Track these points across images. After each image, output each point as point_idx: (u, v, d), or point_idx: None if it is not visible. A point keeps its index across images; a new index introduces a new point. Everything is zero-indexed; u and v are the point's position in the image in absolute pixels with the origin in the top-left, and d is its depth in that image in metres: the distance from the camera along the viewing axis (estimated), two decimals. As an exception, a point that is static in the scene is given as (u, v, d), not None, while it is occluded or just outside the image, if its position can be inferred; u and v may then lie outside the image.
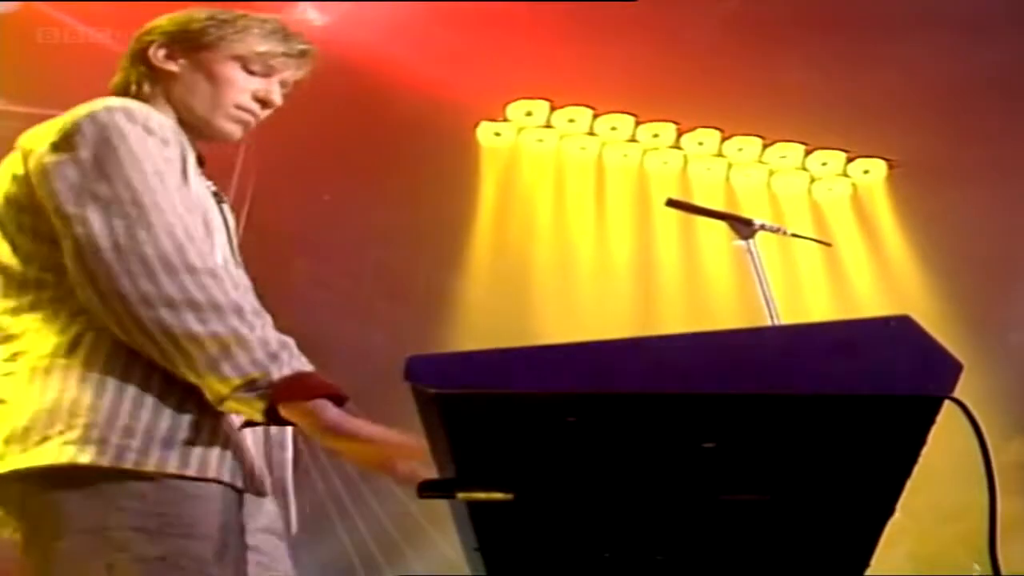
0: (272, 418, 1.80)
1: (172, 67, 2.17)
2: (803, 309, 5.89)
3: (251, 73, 2.19)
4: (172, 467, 1.82)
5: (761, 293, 3.05)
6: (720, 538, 1.66)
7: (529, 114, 6.24)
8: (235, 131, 2.20)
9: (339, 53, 5.24)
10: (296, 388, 1.79)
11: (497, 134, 6.31)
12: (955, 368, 1.45)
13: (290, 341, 1.85)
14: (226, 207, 2.18)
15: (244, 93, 2.18)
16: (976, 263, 5.88)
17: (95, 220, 1.83)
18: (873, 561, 1.67)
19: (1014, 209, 5.88)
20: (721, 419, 1.48)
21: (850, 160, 6.55)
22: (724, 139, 6.43)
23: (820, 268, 6.31)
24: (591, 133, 6.38)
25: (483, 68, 5.54)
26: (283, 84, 2.24)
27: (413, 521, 5.26)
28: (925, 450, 1.52)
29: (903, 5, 5.47)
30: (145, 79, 2.18)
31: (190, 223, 1.88)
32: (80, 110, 1.97)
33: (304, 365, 1.83)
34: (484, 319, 5.76)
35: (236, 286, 1.85)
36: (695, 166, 6.56)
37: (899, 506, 1.58)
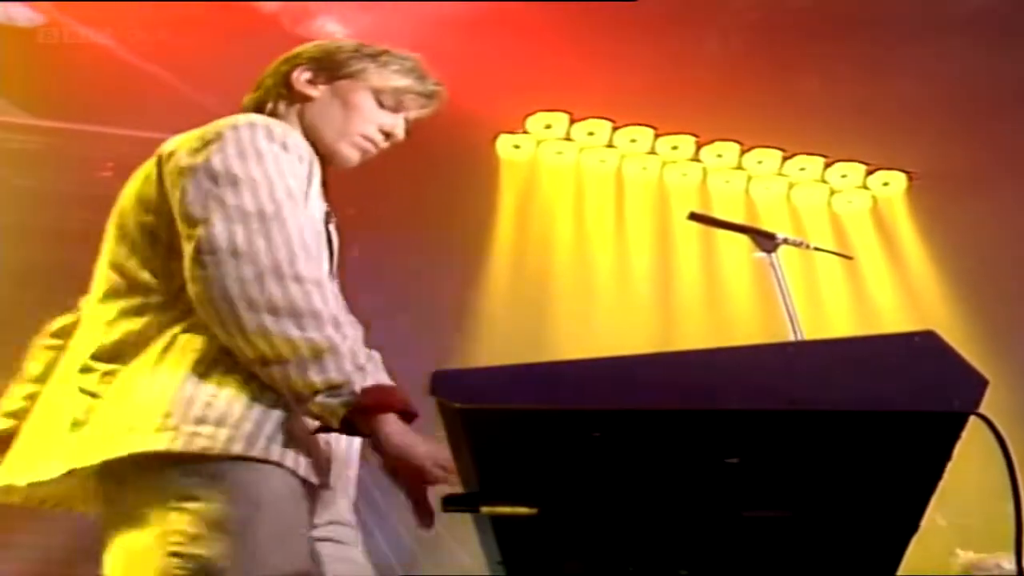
0: (345, 427, 1.88)
1: (311, 91, 2.30)
2: (824, 322, 5.87)
3: (382, 106, 2.32)
4: (238, 449, 1.88)
5: (784, 307, 3.04)
6: (744, 554, 1.66)
7: (548, 127, 6.24)
8: (354, 158, 2.32)
9: (359, 66, 5.27)
10: (374, 400, 1.86)
11: (516, 147, 6.31)
12: (981, 384, 1.45)
13: (376, 355, 1.96)
14: (333, 227, 2.27)
15: (372, 124, 2.31)
16: (998, 275, 5.84)
17: (217, 224, 1.92)
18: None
19: (1035, 219, 5.85)
20: (745, 435, 1.48)
21: (870, 172, 6.53)
22: (744, 152, 6.42)
23: (841, 281, 6.28)
24: (610, 145, 6.37)
25: (502, 80, 5.55)
26: (407, 121, 2.37)
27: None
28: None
29: (923, 16, 5.46)
30: (282, 99, 2.31)
31: (307, 237, 1.96)
32: (224, 121, 2.08)
33: (386, 379, 1.93)
34: (503, 332, 5.75)
35: (336, 297, 1.94)
36: (714, 179, 6.55)
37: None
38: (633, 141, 6.35)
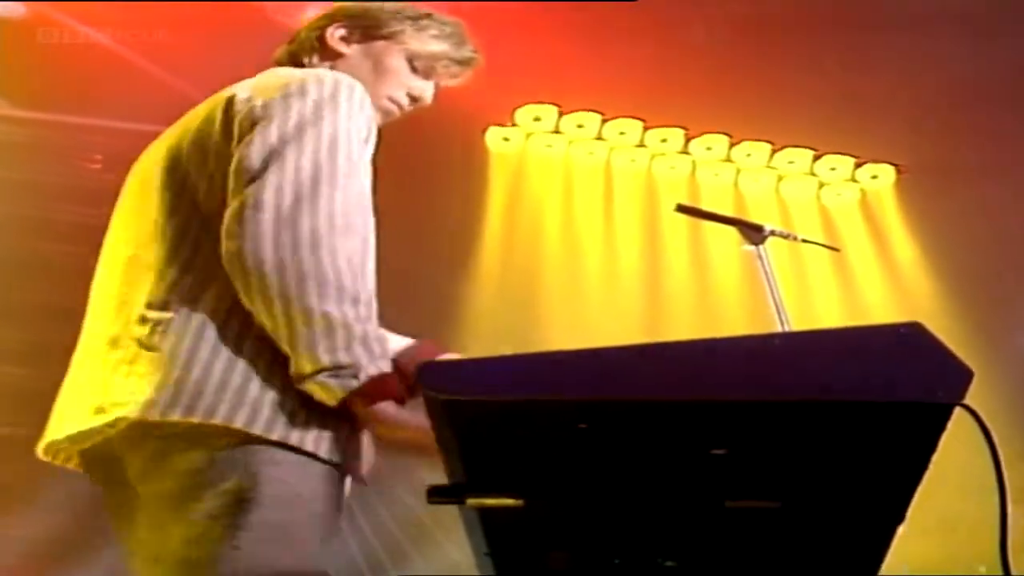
0: (339, 405, 1.85)
1: (344, 48, 2.28)
2: (811, 314, 5.87)
3: (414, 71, 2.30)
4: (270, 431, 1.83)
5: (771, 299, 3.04)
6: (730, 545, 1.67)
7: (538, 119, 6.24)
8: (377, 120, 2.23)
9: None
10: (377, 389, 1.84)
11: (506, 139, 6.31)
12: (966, 375, 1.45)
13: (385, 337, 1.92)
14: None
15: (401, 88, 2.29)
16: (985, 267, 5.86)
17: (269, 183, 1.86)
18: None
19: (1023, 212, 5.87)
20: (731, 426, 1.48)
21: (859, 165, 6.55)
22: (732, 144, 6.43)
23: (829, 273, 6.29)
24: (599, 138, 6.38)
25: (492, 73, 5.51)
26: (435, 86, 2.34)
27: (419, 524, 5.27)
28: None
29: (912, 9, 5.46)
30: (315, 53, 2.28)
31: (352, 208, 1.92)
32: (307, 74, 2.04)
33: (387, 365, 1.87)
34: (492, 324, 5.75)
35: (363, 274, 1.90)
36: (703, 171, 6.55)
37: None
38: (622, 134, 6.35)
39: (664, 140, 6.40)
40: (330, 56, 2.28)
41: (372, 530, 5.27)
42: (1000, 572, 1.54)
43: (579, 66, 5.71)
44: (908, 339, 1.46)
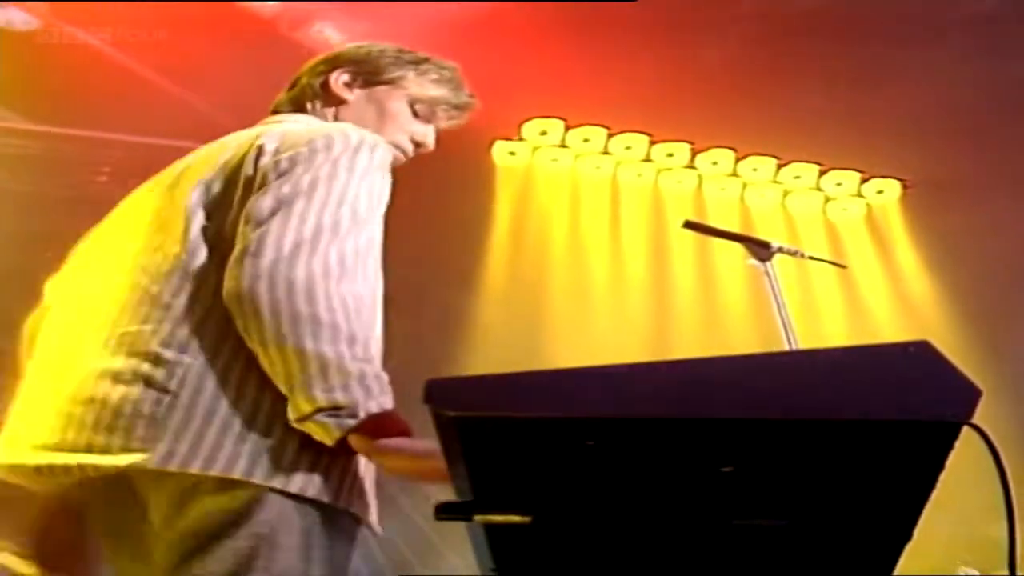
0: (339, 445, 1.85)
1: (347, 94, 2.31)
2: (818, 331, 5.87)
3: (416, 115, 2.33)
4: (288, 483, 1.85)
5: (778, 316, 3.04)
6: (737, 563, 1.66)
7: (544, 133, 6.25)
8: None
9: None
10: (376, 427, 1.83)
11: (512, 153, 6.32)
12: (974, 394, 1.45)
13: (384, 377, 1.88)
14: None
15: (405, 133, 2.32)
16: (992, 284, 5.85)
17: (274, 230, 1.88)
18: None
19: (1030, 228, 5.86)
20: (739, 444, 1.48)
21: (864, 180, 6.55)
22: (738, 159, 6.43)
23: (834, 289, 6.29)
24: (606, 152, 6.38)
25: (498, 87, 5.54)
26: (436, 131, 2.38)
27: (424, 537, 5.26)
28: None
29: (919, 24, 5.47)
30: (318, 99, 2.31)
31: (356, 257, 1.93)
32: (332, 128, 2.06)
33: (388, 402, 1.86)
34: (498, 339, 5.75)
35: (359, 315, 1.88)
36: (709, 186, 6.56)
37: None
38: (628, 148, 6.36)
39: (670, 154, 6.40)
40: (334, 102, 2.31)
41: (376, 541, 5.27)
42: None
43: (586, 80, 5.71)
44: (916, 357, 1.46)
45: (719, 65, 5.66)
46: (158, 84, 5.23)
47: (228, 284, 1.88)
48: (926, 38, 5.46)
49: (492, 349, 5.63)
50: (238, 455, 1.84)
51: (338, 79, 2.31)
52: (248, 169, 2.01)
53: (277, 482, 1.84)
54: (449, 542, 5.17)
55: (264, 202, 1.92)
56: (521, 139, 6.26)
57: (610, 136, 6.29)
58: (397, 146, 2.31)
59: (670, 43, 5.53)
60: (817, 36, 5.47)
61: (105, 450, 1.87)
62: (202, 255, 1.98)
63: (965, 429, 1.47)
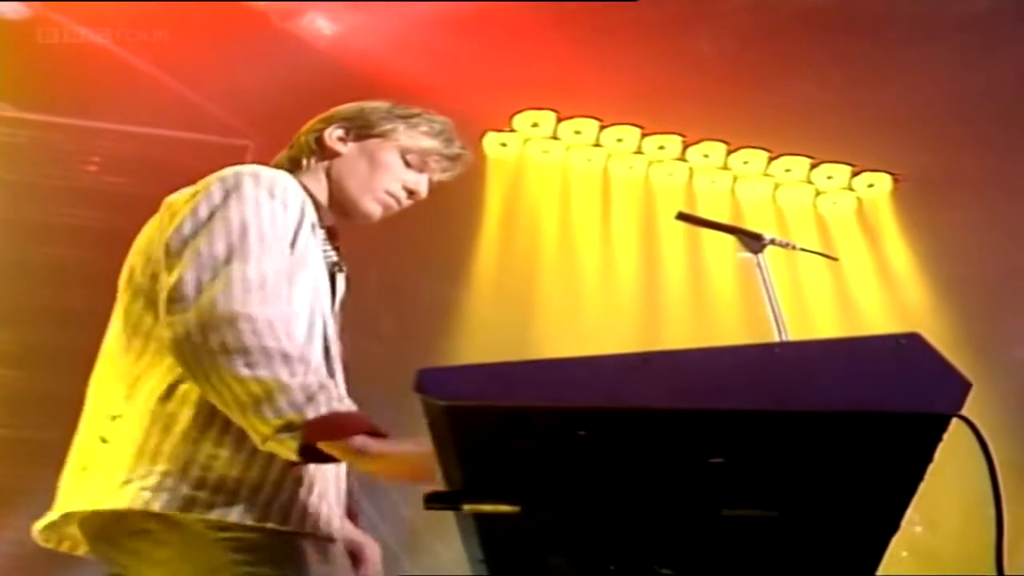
0: (311, 457, 1.91)
1: (340, 148, 2.40)
2: (809, 323, 5.88)
3: (408, 165, 2.42)
4: (233, 518, 1.96)
5: (769, 308, 3.04)
6: (726, 553, 1.67)
7: (535, 125, 6.24)
8: (376, 212, 2.41)
9: (348, 63, 5.27)
10: (329, 427, 1.89)
11: (503, 145, 6.31)
12: (964, 386, 1.46)
13: (331, 384, 1.95)
14: (341, 277, 2.36)
15: (397, 182, 2.41)
16: (983, 277, 5.87)
17: (186, 271, 1.99)
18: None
19: (1021, 223, 5.87)
20: (729, 435, 1.48)
21: (855, 174, 6.55)
22: (730, 152, 6.43)
23: (825, 281, 6.29)
24: (597, 144, 6.38)
25: (490, 78, 5.55)
26: (430, 181, 2.48)
27: (411, 528, 5.27)
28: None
29: (909, 19, 5.47)
30: (313, 154, 2.40)
31: (269, 279, 2.01)
32: (219, 172, 2.17)
33: (345, 406, 1.92)
34: (488, 330, 5.75)
35: (289, 335, 1.96)
36: (700, 179, 6.56)
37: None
38: (620, 140, 6.35)
39: (662, 147, 6.40)
40: (328, 155, 2.40)
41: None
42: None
43: (577, 72, 5.71)
44: (907, 349, 1.47)
45: (711, 58, 5.66)
46: (148, 73, 5.21)
47: (166, 334, 1.99)
48: (919, 34, 5.47)
49: (483, 341, 5.63)
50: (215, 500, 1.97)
51: (332, 134, 2.40)
52: (159, 224, 2.18)
53: (173, 508, 1.96)
54: (439, 535, 5.17)
55: (173, 247, 2.05)
56: (512, 131, 6.25)
57: (601, 128, 6.28)
58: (390, 194, 2.40)
59: (662, 36, 5.53)
60: (809, 30, 5.47)
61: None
62: (132, 315, 2.15)
63: (954, 421, 1.47)
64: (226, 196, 2.09)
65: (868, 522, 1.60)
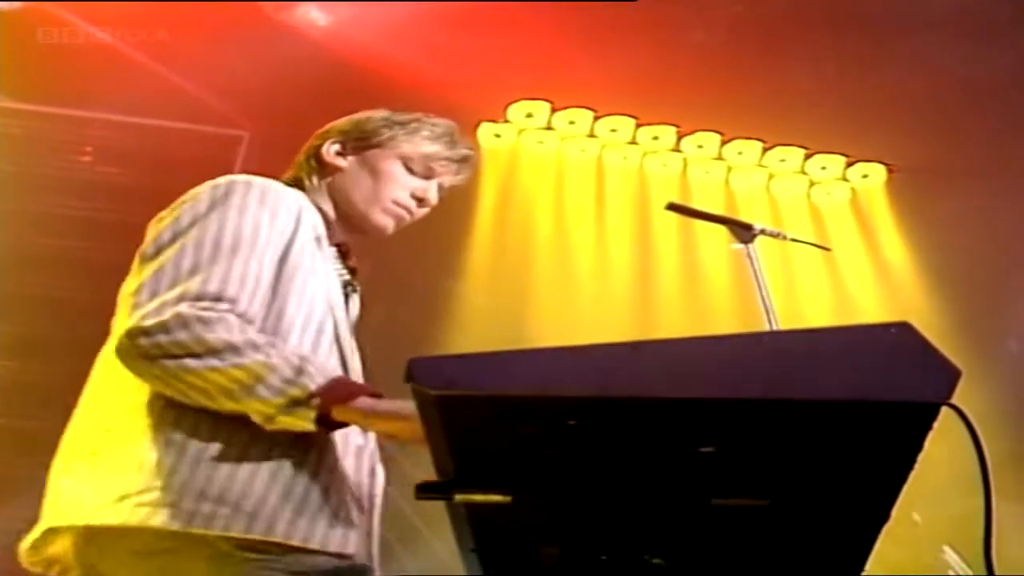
0: (324, 425, 1.91)
1: (340, 163, 2.34)
2: (800, 313, 5.88)
3: (411, 172, 2.34)
4: (238, 530, 1.91)
5: (760, 298, 3.04)
6: (717, 542, 1.67)
7: (530, 115, 6.23)
8: (388, 225, 2.34)
9: (341, 53, 5.25)
10: (340, 393, 1.91)
11: (497, 135, 6.30)
12: (954, 375, 1.46)
13: (308, 355, 1.96)
14: (355, 297, 2.33)
15: (404, 190, 2.33)
16: (975, 268, 5.87)
17: (147, 279, 1.98)
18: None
19: (1014, 214, 5.87)
20: (720, 424, 1.49)
21: (850, 164, 6.54)
22: (724, 142, 6.42)
23: (818, 272, 6.29)
24: (591, 135, 6.37)
25: (484, 69, 5.54)
26: (440, 187, 2.40)
27: (406, 521, 5.26)
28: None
29: (904, 10, 5.47)
30: (314, 173, 2.34)
31: (231, 287, 1.98)
32: (213, 180, 2.14)
33: (328, 373, 1.93)
34: (482, 321, 5.75)
35: (243, 329, 1.94)
36: (694, 169, 6.55)
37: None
38: (614, 131, 6.35)
39: (656, 137, 6.39)
40: (328, 172, 2.34)
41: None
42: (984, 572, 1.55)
43: (572, 63, 5.70)
44: (898, 339, 1.47)
45: (706, 48, 5.66)
46: (141, 63, 5.20)
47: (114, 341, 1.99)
48: (913, 25, 5.47)
49: (476, 330, 5.63)
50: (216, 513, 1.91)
51: (329, 149, 2.34)
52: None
53: (176, 524, 1.90)
54: (432, 527, 5.17)
55: (147, 250, 2.05)
56: (507, 121, 6.24)
57: (596, 119, 6.27)
58: (398, 203, 2.33)
59: (657, 26, 5.53)
60: (804, 20, 5.47)
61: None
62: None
63: (944, 409, 1.48)
64: (211, 207, 2.06)
65: (858, 511, 1.61)
